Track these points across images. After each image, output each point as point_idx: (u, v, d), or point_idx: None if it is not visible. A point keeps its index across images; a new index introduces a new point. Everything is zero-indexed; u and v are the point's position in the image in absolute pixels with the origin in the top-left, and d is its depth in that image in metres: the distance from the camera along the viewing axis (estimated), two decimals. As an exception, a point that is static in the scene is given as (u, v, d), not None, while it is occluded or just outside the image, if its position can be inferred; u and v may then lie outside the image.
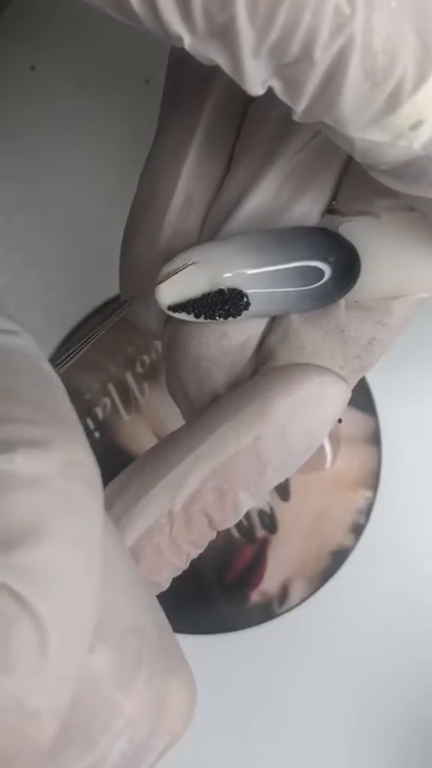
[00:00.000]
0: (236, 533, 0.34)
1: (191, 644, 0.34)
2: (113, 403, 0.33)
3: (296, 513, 0.34)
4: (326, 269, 0.21)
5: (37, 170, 0.34)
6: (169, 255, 0.22)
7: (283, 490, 0.34)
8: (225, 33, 0.15)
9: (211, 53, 0.16)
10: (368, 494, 0.34)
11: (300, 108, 0.16)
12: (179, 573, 0.22)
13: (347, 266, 0.21)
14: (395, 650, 0.34)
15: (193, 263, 0.21)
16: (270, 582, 0.34)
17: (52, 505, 0.15)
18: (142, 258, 0.22)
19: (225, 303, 0.21)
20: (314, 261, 0.21)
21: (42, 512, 0.14)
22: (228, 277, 0.21)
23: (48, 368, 0.17)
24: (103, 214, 0.34)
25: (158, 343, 0.33)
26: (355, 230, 0.21)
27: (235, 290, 0.21)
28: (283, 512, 0.34)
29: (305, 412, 0.21)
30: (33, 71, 0.33)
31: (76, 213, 0.34)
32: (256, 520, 0.34)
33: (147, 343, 0.34)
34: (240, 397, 0.21)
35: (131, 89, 0.33)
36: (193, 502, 0.20)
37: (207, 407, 0.22)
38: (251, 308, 0.21)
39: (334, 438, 0.34)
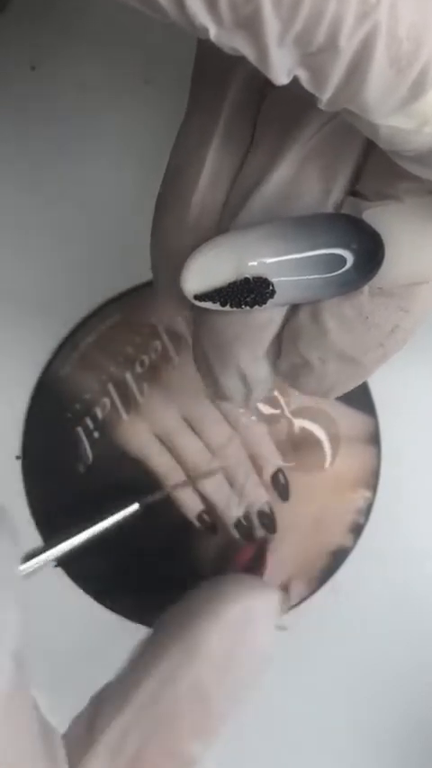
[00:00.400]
0: (235, 534, 0.34)
1: (190, 644, 0.34)
2: (113, 403, 0.33)
3: (295, 513, 0.34)
4: (349, 256, 0.21)
5: (36, 170, 0.34)
6: (197, 231, 0.22)
7: (282, 490, 0.34)
8: (250, 24, 0.15)
9: (237, 44, 0.16)
10: (368, 494, 0.34)
11: (325, 96, 0.16)
12: None
13: (371, 253, 0.21)
14: (395, 650, 0.34)
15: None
16: (269, 582, 0.34)
17: None
18: (172, 235, 0.23)
19: (251, 292, 0.21)
20: (338, 248, 0.21)
21: None
22: (253, 265, 0.21)
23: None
24: (102, 214, 0.34)
25: (158, 344, 0.33)
26: (379, 216, 0.21)
27: (260, 278, 0.21)
28: (283, 512, 0.34)
29: (238, 638, 0.20)
30: (33, 71, 0.33)
31: (76, 213, 0.34)
32: (255, 520, 0.34)
33: (147, 343, 0.34)
34: (171, 631, 0.20)
35: (131, 89, 0.33)
36: (139, 764, 0.19)
37: (141, 645, 0.21)
38: (276, 296, 0.21)
39: (334, 438, 0.34)
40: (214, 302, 0.21)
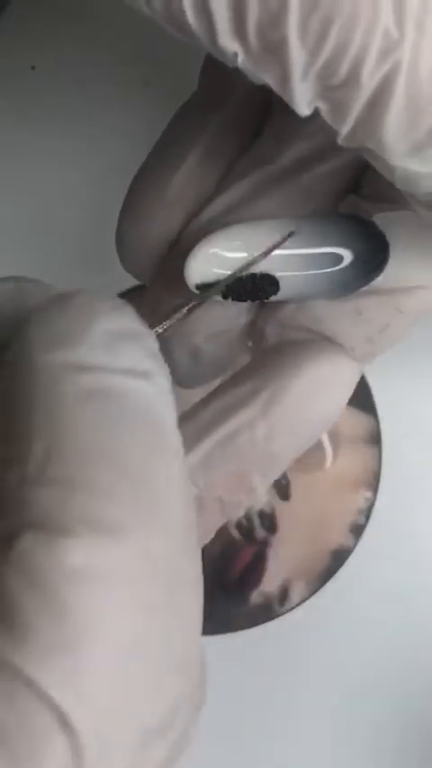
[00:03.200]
0: (236, 534, 0.34)
1: (191, 644, 0.34)
2: (113, 403, 0.33)
3: (296, 513, 0.34)
4: (352, 256, 0.21)
5: (36, 170, 0.34)
6: (170, 214, 0.22)
7: (282, 490, 0.34)
8: (276, 52, 0.15)
9: (262, 72, 0.16)
10: (368, 494, 0.34)
11: (344, 131, 0.16)
12: None
13: (376, 254, 0.21)
14: (395, 650, 0.34)
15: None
16: (270, 582, 0.34)
17: (111, 606, 0.14)
18: (145, 209, 0.23)
19: (255, 286, 0.21)
20: (344, 247, 0.21)
21: (99, 612, 0.14)
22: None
23: (167, 421, 0.17)
24: (102, 214, 0.34)
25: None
26: (389, 219, 0.21)
27: (266, 274, 0.21)
28: (283, 512, 0.34)
29: (319, 397, 0.21)
30: (33, 71, 0.33)
31: (76, 213, 0.34)
32: (256, 520, 0.34)
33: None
34: (254, 378, 0.21)
35: (131, 90, 0.33)
36: (208, 489, 0.21)
37: (220, 386, 0.22)
38: (279, 292, 0.21)
39: (334, 438, 0.34)
40: (215, 294, 0.21)
